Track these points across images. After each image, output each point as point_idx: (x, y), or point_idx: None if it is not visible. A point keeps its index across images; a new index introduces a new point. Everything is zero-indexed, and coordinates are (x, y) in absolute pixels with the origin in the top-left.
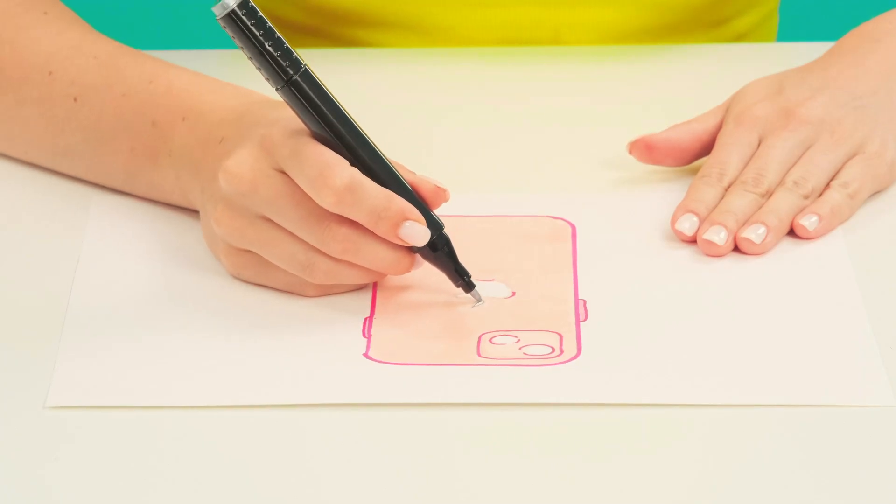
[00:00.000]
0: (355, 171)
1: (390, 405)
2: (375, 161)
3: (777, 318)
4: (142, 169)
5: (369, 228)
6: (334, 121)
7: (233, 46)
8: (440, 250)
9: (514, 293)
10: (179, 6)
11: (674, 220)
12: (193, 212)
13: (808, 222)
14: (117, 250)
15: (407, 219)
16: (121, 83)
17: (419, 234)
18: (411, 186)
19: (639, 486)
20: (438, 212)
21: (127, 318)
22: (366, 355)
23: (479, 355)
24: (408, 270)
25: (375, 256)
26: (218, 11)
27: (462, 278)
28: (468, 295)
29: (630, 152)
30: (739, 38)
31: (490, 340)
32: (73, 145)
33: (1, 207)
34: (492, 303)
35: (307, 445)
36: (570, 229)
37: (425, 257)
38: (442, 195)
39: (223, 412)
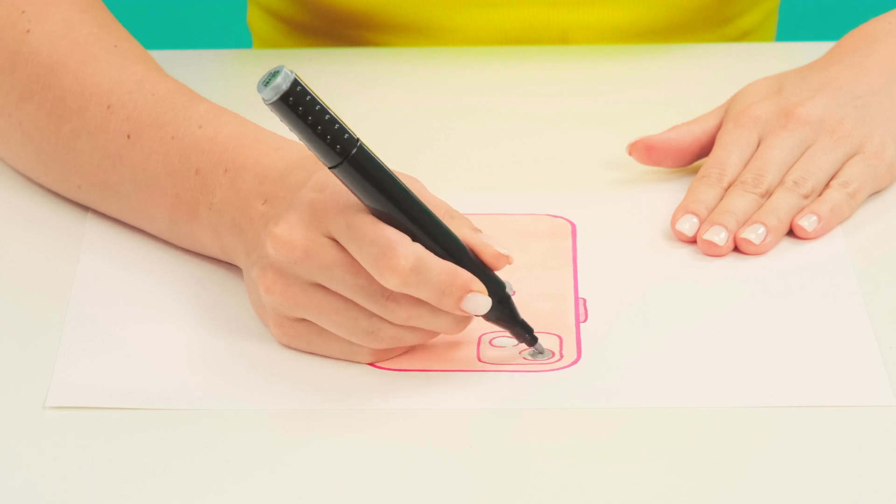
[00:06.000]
0: (418, 248)
1: (391, 410)
2: (436, 232)
3: (777, 318)
4: (183, 219)
5: (433, 304)
6: (393, 196)
7: (234, 47)
8: (502, 312)
9: (514, 293)
10: (179, 6)
11: (674, 221)
12: None
13: (807, 223)
14: (118, 250)
15: (470, 290)
16: (172, 124)
17: (482, 305)
18: (472, 251)
19: (639, 488)
20: None
21: (127, 318)
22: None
23: (480, 360)
24: (465, 328)
25: (440, 323)
26: (268, 96)
27: (525, 334)
28: (531, 349)
29: (629, 153)
30: (743, 35)
31: (490, 342)
32: (122, 184)
33: (1, 207)
34: None
35: (309, 450)
36: (570, 228)
37: (487, 318)
38: (504, 260)
39: (225, 415)
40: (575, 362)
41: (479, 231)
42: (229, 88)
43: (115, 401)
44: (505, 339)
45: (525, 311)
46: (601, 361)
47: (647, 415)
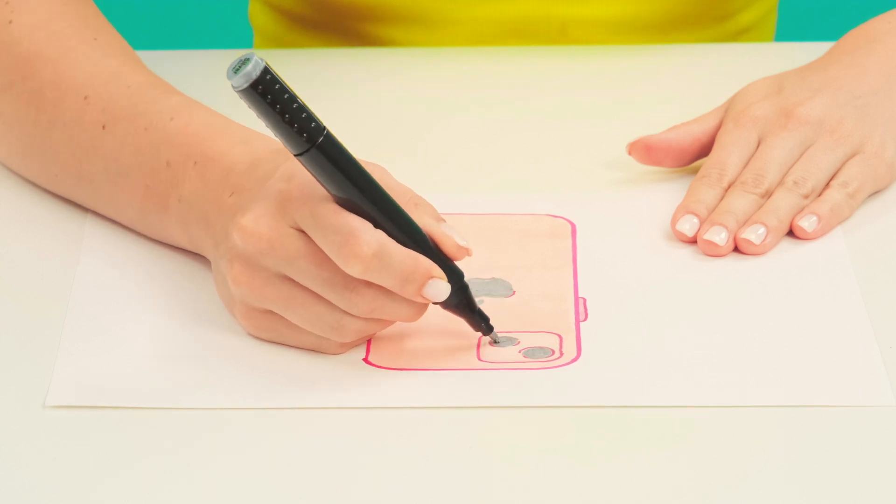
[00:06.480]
0: (381, 236)
1: (390, 409)
2: (398, 220)
3: (777, 318)
4: (152, 210)
5: (395, 291)
6: (358, 184)
7: (234, 45)
8: (460, 300)
9: (514, 292)
10: (179, 6)
11: (674, 221)
12: None
13: (807, 223)
14: (118, 250)
15: (432, 277)
16: (145, 116)
17: (441, 291)
18: (434, 242)
19: (639, 487)
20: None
21: (127, 318)
22: (365, 360)
23: (480, 359)
24: (422, 315)
25: (400, 312)
26: (237, 83)
27: (482, 323)
28: (486, 337)
29: (629, 153)
30: (743, 31)
31: (490, 342)
32: (95, 174)
33: (1, 206)
34: (492, 302)
35: (307, 449)
36: (570, 227)
37: (444, 306)
38: (464, 252)
39: (223, 414)
40: (574, 360)
41: (443, 220)
42: (229, 88)
43: (115, 400)
44: (504, 337)
45: (525, 311)
46: (601, 360)
47: (646, 413)
